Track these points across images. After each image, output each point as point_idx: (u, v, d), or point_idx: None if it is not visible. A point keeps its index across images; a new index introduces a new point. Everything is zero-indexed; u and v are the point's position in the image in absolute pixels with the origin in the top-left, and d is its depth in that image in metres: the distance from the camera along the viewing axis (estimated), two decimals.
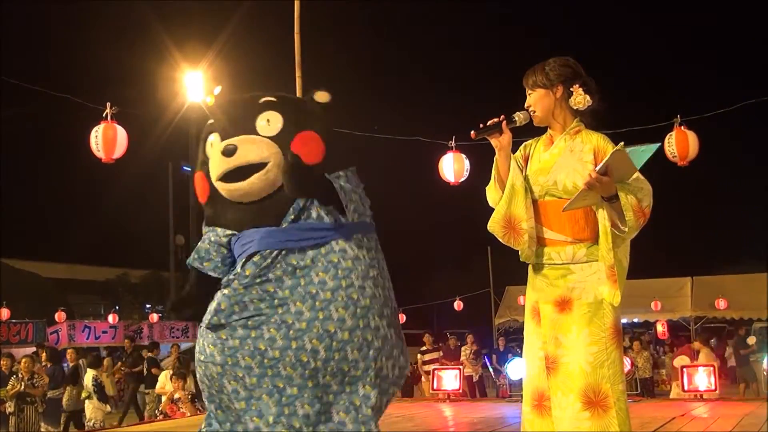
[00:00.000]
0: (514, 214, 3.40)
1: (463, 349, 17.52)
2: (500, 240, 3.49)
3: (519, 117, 3.44)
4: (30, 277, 31.71)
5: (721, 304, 20.12)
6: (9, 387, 11.57)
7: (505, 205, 3.42)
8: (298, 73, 10.85)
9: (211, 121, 3.55)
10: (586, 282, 3.31)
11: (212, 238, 3.50)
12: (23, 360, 12.34)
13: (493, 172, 3.51)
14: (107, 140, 8.21)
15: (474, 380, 16.69)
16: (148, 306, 36.21)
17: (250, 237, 3.37)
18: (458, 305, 28.38)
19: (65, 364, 15.18)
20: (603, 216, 3.24)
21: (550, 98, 3.44)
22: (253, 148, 3.32)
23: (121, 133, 8.31)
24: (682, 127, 9.71)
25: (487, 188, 3.58)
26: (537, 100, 3.45)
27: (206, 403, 3.50)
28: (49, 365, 13.63)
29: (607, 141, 3.37)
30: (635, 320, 23.20)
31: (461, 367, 10.73)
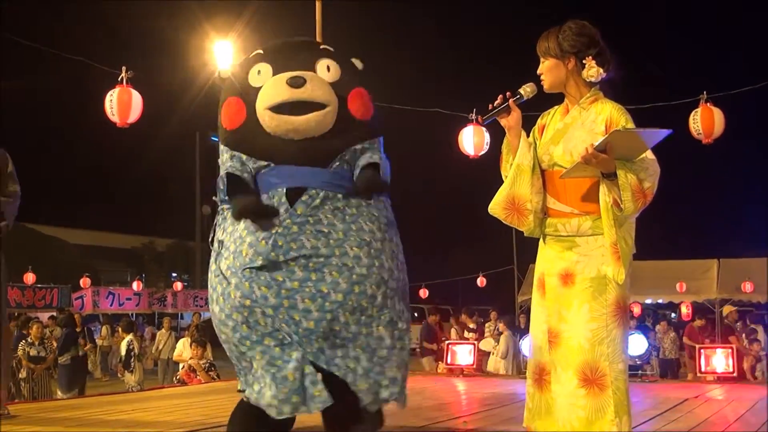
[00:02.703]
0: (519, 194, 3.34)
1: (487, 325, 17.45)
2: (503, 221, 3.43)
3: (525, 91, 3.35)
4: (56, 243, 32.05)
5: (747, 287, 19.87)
6: (20, 352, 11.65)
7: (507, 187, 3.36)
8: (319, 41, 10.77)
9: (258, 51, 3.58)
10: (590, 256, 3.23)
11: (246, 164, 3.44)
12: (34, 325, 12.42)
13: (504, 153, 3.44)
14: (122, 104, 8.16)
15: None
16: (173, 275, 36.54)
17: (291, 172, 3.37)
18: (481, 281, 28.31)
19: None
20: (603, 192, 3.16)
21: (561, 69, 3.34)
22: (322, 87, 3.38)
23: (136, 98, 8.26)
24: (708, 104, 9.52)
25: (500, 164, 3.51)
26: (548, 70, 3.36)
27: (243, 355, 3.38)
28: (62, 330, 13.73)
29: (621, 112, 3.26)
30: (660, 301, 23.04)
31: (475, 343, 10.62)
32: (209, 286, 3.52)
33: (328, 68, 3.50)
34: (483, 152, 10.64)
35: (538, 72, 3.39)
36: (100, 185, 40.11)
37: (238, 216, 3.37)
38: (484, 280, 28.38)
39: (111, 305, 24.22)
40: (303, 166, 3.37)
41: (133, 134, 8.75)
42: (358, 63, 3.73)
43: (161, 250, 37.80)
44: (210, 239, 3.62)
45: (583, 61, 3.30)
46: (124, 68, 8.34)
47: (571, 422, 3.16)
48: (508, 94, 3.32)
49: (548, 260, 3.36)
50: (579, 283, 3.22)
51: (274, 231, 3.27)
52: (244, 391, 3.45)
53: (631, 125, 3.20)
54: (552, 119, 3.45)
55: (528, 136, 3.41)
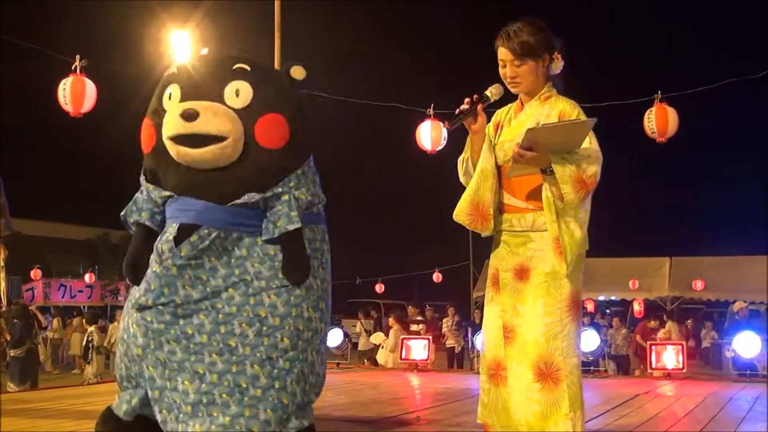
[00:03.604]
0: (483, 200, 3.33)
1: (444, 320, 17.53)
2: (467, 227, 3.41)
3: (492, 93, 3.32)
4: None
5: (698, 285, 20.20)
6: None
7: (472, 193, 3.34)
8: (277, 35, 10.73)
9: (173, 70, 3.38)
10: (545, 251, 3.23)
11: (152, 195, 3.35)
12: None
13: (465, 153, 3.43)
14: (75, 93, 8.06)
15: (456, 351, 16.71)
16: None
17: (190, 206, 3.23)
18: (437, 277, 28.43)
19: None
20: (545, 187, 3.18)
21: (539, 69, 3.32)
22: (214, 120, 3.16)
23: (90, 87, 8.15)
24: (663, 104, 9.65)
25: (459, 166, 3.49)
26: (527, 73, 3.30)
27: (120, 381, 3.39)
28: (17, 322, 13.48)
29: (573, 107, 3.28)
30: (613, 298, 23.32)
31: (430, 338, 10.65)
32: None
33: (237, 93, 3.24)
34: (440, 147, 10.67)
35: (511, 75, 3.31)
36: (55, 176, 39.57)
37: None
38: (440, 275, 28.50)
39: (62, 297, 23.91)
40: (207, 198, 3.20)
41: (89, 124, 8.63)
42: (298, 72, 3.45)
43: (116, 243, 37.32)
44: None
45: (552, 56, 3.32)
46: (77, 57, 8.22)
47: (527, 417, 3.17)
48: (474, 97, 3.26)
49: (502, 256, 3.36)
50: (534, 278, 3.23)
51: (154, 270, 3.19)
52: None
53: (582, 118, 3.22)
54: (506, 116, 3.45)
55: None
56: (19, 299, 20.89)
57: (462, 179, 3.48)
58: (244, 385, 3.12)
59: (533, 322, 3.20)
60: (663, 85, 9.85)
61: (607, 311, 22.61)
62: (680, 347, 9.37)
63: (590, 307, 20.23)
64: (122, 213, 3.43)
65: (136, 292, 3.23)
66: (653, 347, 9.57)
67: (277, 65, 11.10)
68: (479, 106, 3.28)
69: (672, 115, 9.67)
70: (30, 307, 15.33)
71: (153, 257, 3.23)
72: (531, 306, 3.21)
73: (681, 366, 9.10)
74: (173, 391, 3.15)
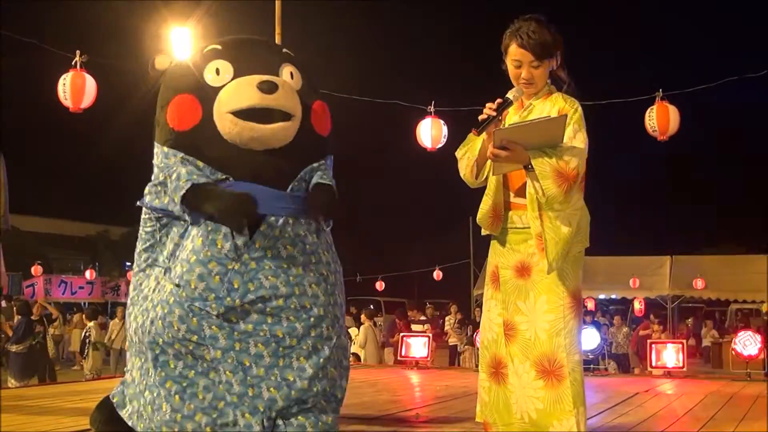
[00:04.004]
0: (498, 201, 3.34)
1: (447, 318, 17.52)
2: (486, 229, 3.41)
3: (514, 96, 3.31)
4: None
5: (699, 284, 20.18)
6: None
7: (492, 197, 3.34)
8: (277, 30, 10.71)
9: (214, 46, 3.23)
10: None
11: (200, 167, 3.03)
12: None
13: (472, 149, 3.41)
14: (75, 89, 8.03)
15: (458, 350, 16.71)
16: (128, 264, 36.10)
17: (252, 192, 2.98)
18: (437, 275, 28.42)
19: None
20: (528, 183, 3.19)
21: (549, 68, 3.35)
22: (291, 96, 3.10)
23: (90, 83, 8.13)
24: (664, 102, 9.63)
25: (459, 159, 3.48)
26: (542, 75, 3.32)
27: (148, 375, 3.09)
28: (17, 318, 13.50)
29: (570, 104, 3.27)
30: (613, 296, 23.30)
31: (430, 335, 10.64)
32: (137, 295, 3.20)
33: (292, 75, 3.20)
34: (440, 145, 10.64)
35: (526, 78, 3.29)
36: (55, 172, 39.57)
37: (231, 218, 2.97)
38: (441, 273, 28.49)
39: (63, 293, 23.92)
40: (262, 183, 3.02)
41: (89, 120, 8.63)
42: None
43: (115, 239, 37.33)
44: (139, 252, 3.25)
45: (557, 55, 3.34)
46: (78, 52, 8.20)
47: (529, 413, 3.17)
48: (498, 101, 3.22)
49: (502, 253, 3.36)
50: (535, 275, 3.23)
51: (230, 267, 2.95)
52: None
53: (578, 115, 3.22)
54: (506, 115, 3.42)
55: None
56: (20, 295, 20.92)
57: (461, 170, 3.47)
58: (328, 389, 3.08)
59: (536, 319, 3.20)
60: (664, 83, 9.82)
61: (609, 308, 22.59)
62: (680, 346, 9.34)
63: (591, 305, 20.21)
64: (172, 190, 3.02)
65: (206, 285, 2.94)
66: (653, 345, 9.55)
67: None
68: (505, 112, 3.28)
69: (673, 114, 9.65)
70: (39, 301, 15.43)
71: (217, 254, 2.97)
72: (533, 303, 3.22)
73: (681, 364, 9.08)
74: (256, 398, 2.96)
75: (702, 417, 5.59)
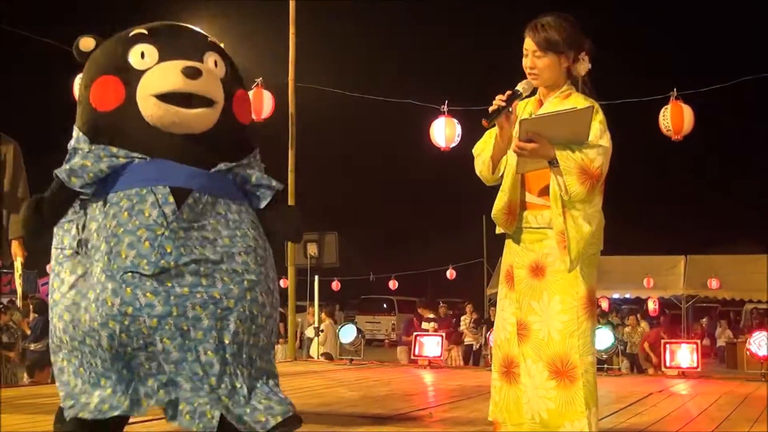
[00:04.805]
0: (514, 199, 3.33)
1: (463, 318, 17.52)
2: (500, 226, 3.40)
3: (524, 88, 3.30)
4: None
5: (713, 283, 20.12)
6: None
7: (508, 193, 3.32)
8: (291, 30, 10.76)
9: (140, 30, 3.25)
10: (561, 248, 3.21)
11: (105, 157, 3.05)
12: (7, 312, 12.30)
13: (488, 144, 3.41)
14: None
15: (474, 349, 16.71)
16: None
17: (175, 169, 3.06)
18: (451, 274, 28.43)
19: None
20: (552, 180, 3.17)
21: (561, 65, 3.29)
22: (214, 83, 3.16)
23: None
24: (678, 101, 9.60)
25: (476, 156, 3.48)
26: (547, 66, 3.27)
27: (93, 366, 2.98)
28: (35, 317, 13.59)
29: (591, 104, 3.24)
30: (627, 296, 23.26)
31: (443, 335, 10.65)
32: (56, 291, 3.09)
33: (216, 63, 3.26)
34: (454, 144, 10.66)
35: (530, 66, 3.29)
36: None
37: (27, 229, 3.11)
38: (454, 272, 28.49)
39: None
40: (183, 162, 3.08)
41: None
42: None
43: None
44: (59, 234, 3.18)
45: (579, 56, 3.29)
46: None
47: (540, 414, 3.16)
48: (507, 93, 3.22)
49: (516, 253, 3.35)
50: (550, 275, 3.22)
51: (159, 233, 2.95)
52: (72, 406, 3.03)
53: (601, 116, 3.21)
54: (524, 112, 3.41)
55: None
56: (36, 293, 21.03)
57: (477, 167, 3.46)
58: (254, 356, 3.07)
59: (549, 319, 3.19)
60: (678, 82, 9.79)
61: (621, 307, 22.54)
62: (695, 346, 9.32)
63: (604, 305, 20.17)
64: (62, 172, 3.07)
65: (137, 252, 2.91)
66: (667, 345, 9.53)
67: (292, 61, 11.14)
68: (515, 104, 3.25)
69: (687, 113, 9.62)
70: None
71: (146, 222, 2.96)
72: (546, 303, 3.21)
73: (696, 365, 9.05)
74: (195, 362, 2.94)
75: (716, 417, 5.58)
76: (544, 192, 3.27)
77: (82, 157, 3.09)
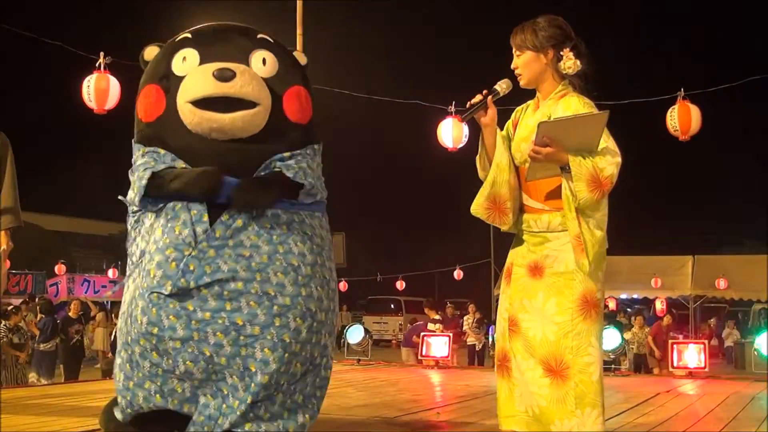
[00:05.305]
0: (500, 193, 3.34)
1: (465, 318, 17.51)
2: (485, 221, 3.43)
3: (501, 87, 3.34)
4: (31, 228, 31.75)
5: (721, 284, 20.04)
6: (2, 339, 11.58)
7: (489, 186, 3.35)
8: (299, 31, 10.77)
9: (186, 34, 3.18)
10: (560, 251, 3.25)
11: (161, 155, 3.00)
12: (18, 313, 12.39)
13: (480, 149, 3.44)
14: (99, 91, 8.13)
15: (477, 349, 16.71)
16: None
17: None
18: (458, 274, 28.43)
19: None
20: (564, 185, 3.18)
21: (540, 62, 3.33)
22: (253, 82, 2.97)
23: (114, 84, 8.22)
24: (685, 101, 9.60)
25: (477, 164, 3.50)
26: (525, 64, 3.34)
27: (134, 379, 3.02)
28: (41, 317, 13.70)
29: (587, 106, 3.27)
30: (635, 296, 23.21)
31: (450, 334, 10.66)
32: (124, 296, 3.13)
33: (264, 61, 3.08)
34: (461, 145, 10.67)
35: (513, 67, 3.38)
36: (79, 172, 39.86)
37: (202, 188, 2.92)
38: (461, 272, 28.49)
39: (86, 292, 24.07)
40: (229, 172, 2.93)
41: (111, 121, 8.71)
42: (301, 57, 3.34)
43: None
44: (129, 245, 3.20)
45: (561, 53, 3.31)
46: (102, 54, 8.29)
47: (532, 408, 3.21)
48: (485, 91, 3.29)
49: (519, 251, 3.39)
50: (547, 277, 3.25)
51: (187, 253, 2.87)
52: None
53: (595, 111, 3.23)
54: (524, 115, 3.45)
55: (502, 130, 3.42)
56: (44, 294, 21.13)
57: (480, 175, 3.48)
58: (290, 386, 2.97)
59: (544, 320, 3.22)
60: (686, 82, 9.78)
61: (628, 309, 22.52)
62: (702, 346, 9.31)
63: (612, 305, 20.14)
64: (133, 197, 3.06)
65: (163, 278, 2.87)
66: (675, 346, 9.52)
67: None
68: (489, 100, 3.29)
69: (695, 113, 9.61)
70: (80, 298, 15.72)
71: (177, 240, 2.91)
72: (541, 303, 3.24)
73: (703, 365, 9.05)
74: (221, 382, 2.91)
75: (724, 417, 5.58)
76: (545, 197, 3.30)
77: (141, 164, 3.04)
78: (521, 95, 3.49)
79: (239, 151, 2.98)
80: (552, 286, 3.23)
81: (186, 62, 3.05)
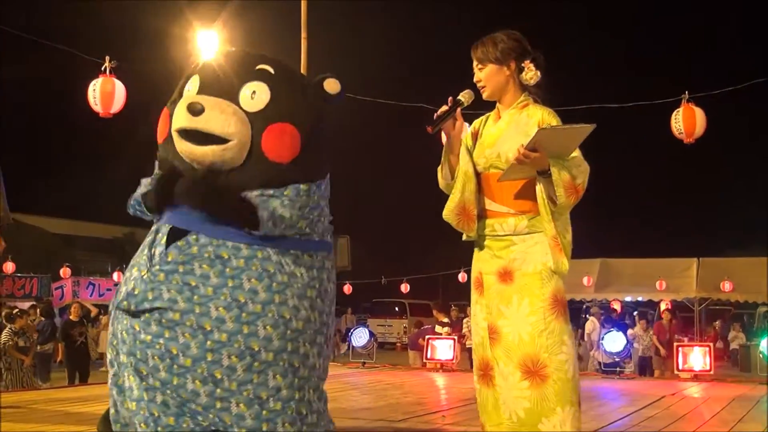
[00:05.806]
0: (469, 201, 3.43)
1: (465, 321, 17.48)
2: (454, 227, 3.50)
3: (465, 97, 3.42)
4: (36, 232, 31.84)
5: (726, 286, 20.01)
6: (4, 339, 11.60)
7: (459, 193, 3.43)
8: (303, 34, 10.78)
9: (200, 62, 3.27)
10: (527, 253, 3.33)
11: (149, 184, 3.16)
12: (23, 316, 12.42)
13: (444, 159, 3.51)
14: (105, 94, 8.16)
15: None
16: None
17: (183, 208, 2.99)
18: (463, 277, 28.40)
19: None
20: (540, 189, 3.27)
21: (503, 74, 3.44)
22: (220, 118, 2.93)
23: (119, 88, 8.25)
24: (690, 104, 9.60)
25: (438, 170, 3.57)
26: (489, 76, 3.44)
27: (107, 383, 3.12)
28: (41, 320, 13.74)
29: (552, 115, 3.38)
30: (639, 299, 23.18)
31: (455, 337, 10.67)
32: None
33: (253, 94, 3.02)
34: None
35: (476, 80, 3.47)
36: (84, 175, 39.98)
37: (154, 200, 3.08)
38: (466, 275, 28.46)
39: (91, 295, 24.09)
40: (187, 201, 2.98)
41: (117, 124, 8.74)
42: (333, 86, 3.18)
43: (142, 241, 37.61)
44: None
45: (522, 65, 3.42)
46: (107, 58, 8.32)
47: (517, 413, 3.24)
48: (450, 100, 3.37)
49: (485, 260, 3.45)
50: (518, 279, 3.32)
51: (142, 274, 2.92)
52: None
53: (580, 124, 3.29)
54: (485, 125, 3.54)
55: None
56: (50, 297, 21.18)
57: (441, 184, 3.56)
58: (228, 422, 2.87)
59: (518, 321, 3.28)
60: (690, 85, 9.79)
61: (634, 312, 22.50)
62: (708, 349, 9.31)
63: (617, 307, 20.11)
64: (136, 199, 3.20)
65: (119, 294, 2.99)
66: (680, 348, 9.52)
67: (304, 64, 11.16)
68: (458, 110, 3.37)
69: (699, 116, 9.61)
70: (78, 301, 15.75)
71: (140, 261, 2.99)
72: (516, 306, 3.29)
73: (708, 368, 9.05)
74: (151, 402, 2.88)
75: (729, 420, 5.58)
76: (509, 201, 3.37)
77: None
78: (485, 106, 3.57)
79: (211, 183, 2.98)
80: (524, 287, 3.30)
81: (190, 90, 3.12)
